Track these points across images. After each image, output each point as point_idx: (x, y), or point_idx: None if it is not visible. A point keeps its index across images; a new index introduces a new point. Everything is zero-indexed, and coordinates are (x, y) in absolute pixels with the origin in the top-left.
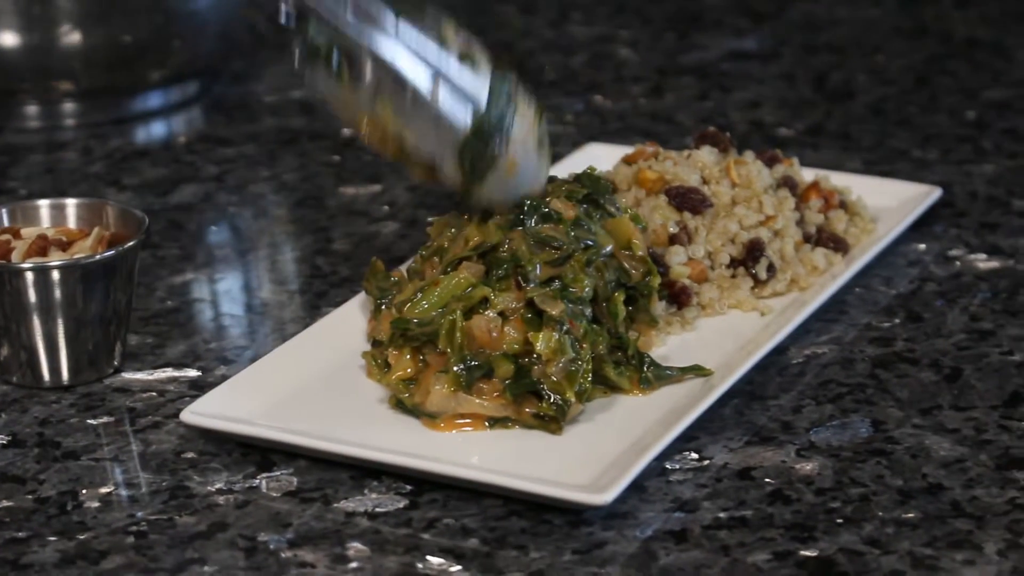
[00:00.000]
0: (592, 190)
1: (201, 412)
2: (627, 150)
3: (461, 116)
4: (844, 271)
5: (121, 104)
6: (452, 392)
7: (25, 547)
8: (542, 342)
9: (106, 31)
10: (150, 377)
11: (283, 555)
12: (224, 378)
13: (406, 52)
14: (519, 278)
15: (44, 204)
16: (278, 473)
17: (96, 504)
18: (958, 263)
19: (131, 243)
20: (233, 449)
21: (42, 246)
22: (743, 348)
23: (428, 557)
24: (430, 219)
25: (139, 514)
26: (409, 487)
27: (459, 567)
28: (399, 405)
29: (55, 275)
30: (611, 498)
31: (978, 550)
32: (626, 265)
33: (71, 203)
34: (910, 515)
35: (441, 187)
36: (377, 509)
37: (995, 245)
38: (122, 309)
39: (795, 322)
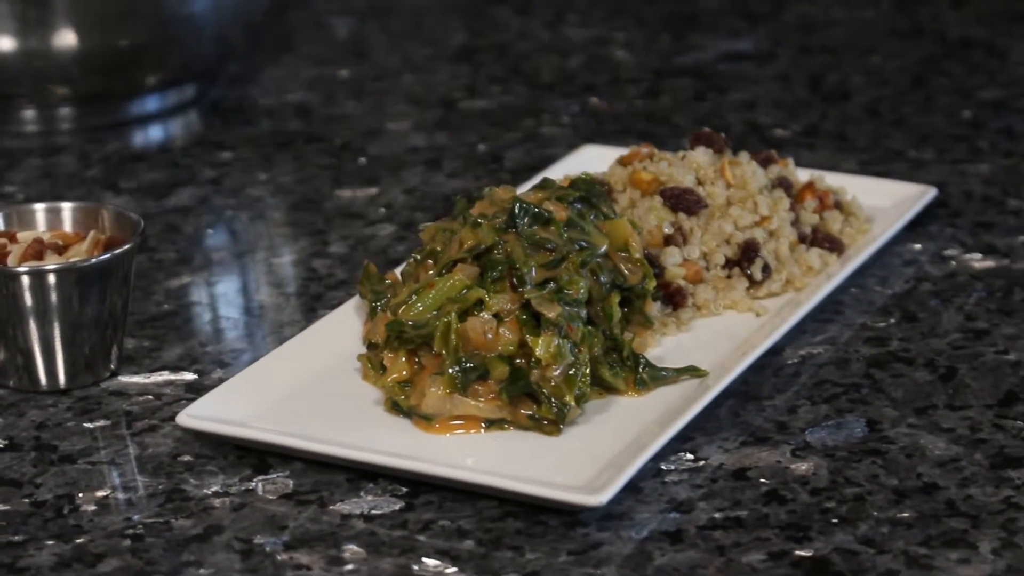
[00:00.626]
0: (586, 192)
1: (197, 415)
2: (623, 152)
3: None
4: (839, 271)
5: (118, 108)
6: (448, 394)
7: (22, 551)
8: (541, 347)
9: (103, 35)
10: (146, 380)
11: (279, 557)
12: (220, 381)
13: None
14: (514, 280)
15: (40, 208)
16: (274, 476)
17: (92, 507)
18: (953, 263)
19: (127, 246)
20: (229, 452)
21: (38, 250)
22: (738, 349)
23: (424, 559)
24: (421, 225)
25: (135, 517)
26: (405, 489)
27: (455, 569)
28: (395, 407)
29: (51, 279)
30: (606, 499)
31: (973, 549)
32: (622, 267)
33: (67, 207)
34: (905, 514)
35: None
36: (373, 511)
37: (990, 245)
38: (118, 312)
39: (790, 322)
